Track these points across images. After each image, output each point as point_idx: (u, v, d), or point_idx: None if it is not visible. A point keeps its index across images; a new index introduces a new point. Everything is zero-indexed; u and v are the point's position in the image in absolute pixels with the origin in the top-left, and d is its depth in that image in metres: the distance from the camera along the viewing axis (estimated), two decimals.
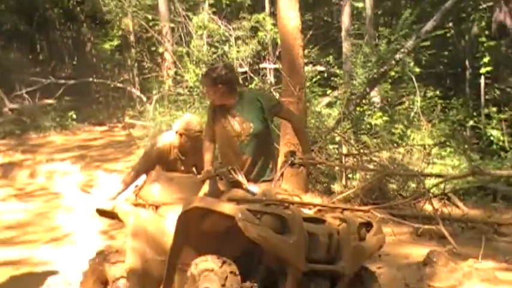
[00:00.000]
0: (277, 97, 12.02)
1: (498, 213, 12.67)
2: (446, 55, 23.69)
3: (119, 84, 21.60)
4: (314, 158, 9.48)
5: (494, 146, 17.70)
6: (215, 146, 8.50)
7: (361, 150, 14.83)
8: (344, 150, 14.89)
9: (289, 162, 8.16)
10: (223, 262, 6.89)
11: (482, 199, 13.34)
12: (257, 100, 8.42)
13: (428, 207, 12.04)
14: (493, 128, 18.54)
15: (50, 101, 22.14)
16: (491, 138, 17.99)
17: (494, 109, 19.83)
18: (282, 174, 8.17)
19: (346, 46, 19.33)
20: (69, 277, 9.68)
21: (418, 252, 9.69)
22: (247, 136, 8.23)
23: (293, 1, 12.57)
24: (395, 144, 15.34)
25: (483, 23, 23.13)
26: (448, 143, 15.90)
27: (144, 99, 19.59)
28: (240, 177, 7.80)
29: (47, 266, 10.64)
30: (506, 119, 19.30)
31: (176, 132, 9.17)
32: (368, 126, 15.85)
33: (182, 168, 9.16)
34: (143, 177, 9.17)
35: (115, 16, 22.46)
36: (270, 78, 19.65)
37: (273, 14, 19.28)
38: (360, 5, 22.67)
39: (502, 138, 17.76)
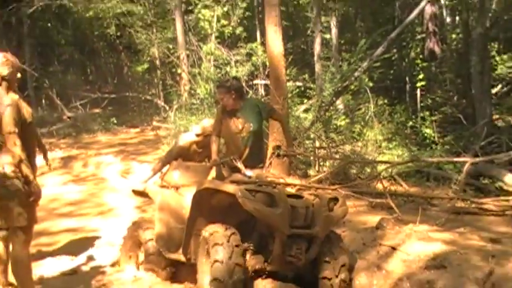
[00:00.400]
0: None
1: (430, 190, 12.66)
2: (391, 73, 23.66)
3: (148, 97, 21.59)
4: (294, 150, 9.48)
5: (427, 141, 17.71)
6: (220, 139, 8.54)
7: (330, 144, 14.80)
8: (317, 144, 14.88)
9: (276, 153, 8.26)
10: (227, 228, 7.03)
11: (419, 180, 13.35)
12: (257, 106, 8.63)
13: (379, 186, 12.03)
14: (426, 127, 18.54)
15: (97, 110, 22.13)
16: (425, 135, 18.00)
17: (428, 113, 19.82)
18: (270, 163, 8.20)
19: (317, 67, 19.31)
20: (112, 240, 9.63)
21: (372, 219, 9.66)
22: (247, 133, 8.33)
23: (278, 34, 12.55)
24: (355, 140, 15.34)
25: (418, 49, 23.16)
26: (393, 139, 15.95)
27: (167, 108, 19.52)
28: (239, 165, 7.88)
29: (96, 232, 10.62)
30: (436, 120, 19.29)
31: (196, 135, 9.17)
32: (334, 126, 15.86)
33: (198, 159, 9.12)
34: (167, 166, 9.13)
35: (145, 46, 22.38)
36: (261, 91, 19.67)
37: (263, 43, 19.22)
38: (328, 36, 22.64)
39: (433, 134, 17.80)
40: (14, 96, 6.85)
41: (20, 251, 6.92)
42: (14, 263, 6.99)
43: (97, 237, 10.27)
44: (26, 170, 6.77)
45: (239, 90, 8.46)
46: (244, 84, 17.99)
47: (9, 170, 6.69)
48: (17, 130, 6.70)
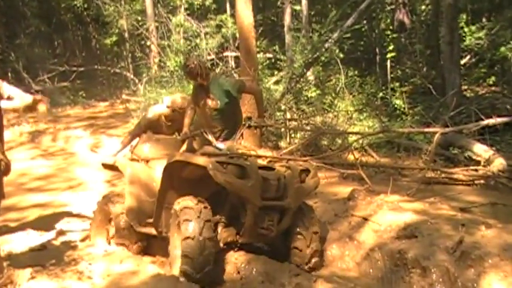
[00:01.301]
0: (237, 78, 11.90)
1: (401, 160, 12.71)
2: (362, 44, 23.71)
3: (117, 70, 21.52)
4: (265, 122, 9.47)
5: (398, 112, 17.74)
6: (194, 114, 8.47)
7: (301, 116, 14.85)
8: (288, 116, 14.89)
9: (247, 125, 8.23)
10: (199, 201, 7.01)
11: (390, 150, 13.41)
12: (223, 85, 8.49)
13: (350, 157, 12.06)
14: (396, 98, 18.58)
15: (65, 84, 22.00)
16: (395, 106, 18.02)
17: (397, 84, 19.90)
18: (241, 134, 8.20)
19: (288, 38, 19.28)
20: (82, 215, 9.59)
21: (344, 190, 9.70)
22: (215, 110, 8.28)
23: (248, 4, 12.57)
24: (325, 111, 15.34)
25: (388, 21, 23.21)
26: (364, 110, 15.96)
27: (136, 81, 19.46)
28: (210, 137, 7.83)
29: (66, 207, 10.59)
30: (406, 91, 19.37)
31: (167, 106, 9.08)
32: (305, 98, 15.84)
33: (167, 132, 9.05)
34: (136, 139, 9.08)
35: (113, 18, 22.26)
36: (231, 63, 19.69)
37: (233, 15, 19.19)
38: (298, 7, 22.58)
39: (403, 105, 17.80)
40: None
41: None
42: None
43: (67, 212, 10.25)
44: None
45: (202, 72, 8.32)
46: (214, 56, 18.04)
47: None
48: None
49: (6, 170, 6.91)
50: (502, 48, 22.97)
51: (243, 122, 8.40)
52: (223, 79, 9.18)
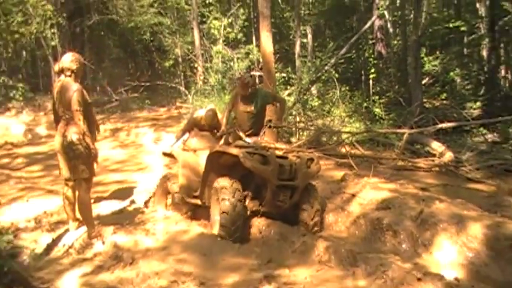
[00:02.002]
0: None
1: (379, 152, 12.64)
2: (351, 67, 23.64)
3: (173, 85, 21.42)
4: (281, 123, 9.43)
5: (377, 117, 17.63)
6: (230, 114, 8.49)
7: (307, 119, 14.81)
8: (297, 119, 14.82)
9: (268, 125, 8.19)
10: (232, 180, 7.07)
11: (371, 145, 13.32)
12: (263, 95, 8.54)
13: (343, 150, 12.00)
14: (376, 107, 18.45)
15: (136, 95, 22.02)
16: (375, 113, 17.92)
17: (377, 97, 19.76)
18: (264, 132, 8.14)
19: (297, 62, 19.22)
20: (148, 189, 9.57)
21: (338, 174, 9.66)
22: (249, 113, 8.28)
23: (269, 38, 12.57)
24: (325, 116, 15.31)
25: (370, 51, 23.07)
26: (353, 115, 15.91)
27: (187, 92, 19.41)
28: (241, 134, 7.90)
29: (136, 183, 10.56)
30: (383, 102, 19.26)
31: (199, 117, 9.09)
32: (310, 106, 15.78)
33: (207, 129, 8.97)
34: (187, 134, 9.04)
35: (171, 47, 22.31)
36: (256, 80, 19.72)
37: (257, 45, 19.19)
38: (305, 40, 22.59)
39: (381, 113, 17.74)
40: (79, 84, 6.92)
41: (83, 196, 7.09)
42: (79, 205, 7.14)
43: (137, 187, 10.21)
44: (87, 138, 6.87)
45: (252, 85, 8.38)
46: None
47: (75, 138, 6.81)
48: (81, 109, 6.77)
49: (95, 156, 6.99)
50: (451, 73, 23.13)
51: (265, 124, 8.37)
52: (265, 91, 9.17)
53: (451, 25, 21.91)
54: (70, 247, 6.93)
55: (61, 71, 7.17)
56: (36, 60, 21.59)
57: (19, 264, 6.00)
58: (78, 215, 7.48)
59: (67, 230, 7.42)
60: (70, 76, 6.93)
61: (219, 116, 8.97)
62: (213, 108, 9.28)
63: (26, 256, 6.58)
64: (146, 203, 8.97)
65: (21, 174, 11.98)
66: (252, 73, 12.97)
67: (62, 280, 5.92)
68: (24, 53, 23.17)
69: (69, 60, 6.97)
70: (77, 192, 7.19)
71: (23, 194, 9.79)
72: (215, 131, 8.79)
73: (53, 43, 18.73)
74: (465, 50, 25.10)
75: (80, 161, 6.92)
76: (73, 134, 6.84)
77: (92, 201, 8.14)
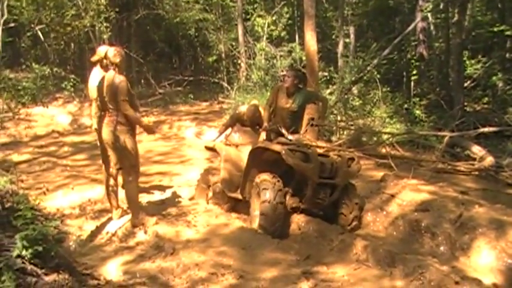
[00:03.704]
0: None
1: (419, 154, 12.50)
2: (393, 69, 23.37)
3: (215, 80, 21.46)
4: (323, 122, 9.38)
5: (417, 119, 17.42)
6: (270, 110, 8.24)
7: (348, 119, 14.76)
8: (338, 118, 14.74)
9: (310, 124, 8.13)
10: (273, 176, 7.09)
11: (411, 147, 13.16)
12: (307, 95, 8.31)
13: (383, 150, 11.91)
14: (417, 109, 18.22)
15: (179, 88, 22.09)
16: (416, 115, 17.70)
17: (418, 99, 19.52)
18: (306, 130, 8.09)
19: (340, 62, 19.11)
20: (190, 181, 9.65)
21: (377, 174, 9.61)
22: (290, 110, 8.06)
23: (313, 37, 12.62)
24: (366, 116, 15.19)
25: (413, 53, 22.80)
26: (394, 117, 15.72)
27: (229, 88, 19.44)
28: (283, 131, 7.79)
29: (178, 175, 10.66)
30: (424, 104, 19.05)
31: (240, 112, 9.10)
32: (351, 106, 15.68)
33: (249, 124, 8.96)
34: (229, 129, 9.08)
35: (215, 43, 22.34)
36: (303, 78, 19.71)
37: (300, 43, 19.20)
38: (347, 40, 22.41)
39: (421, 115, 17.53)
40: (122, 76, 7.07)
41: (132, 184, 7.27)
42: (128, 193, 7.28)
43: (179, 179, 10.28)
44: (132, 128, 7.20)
45: (300, 79, 8.28)
46: (285, 72, 17.95)
47: (122, 128, 7.04)
48: (127, 98, 6.95)
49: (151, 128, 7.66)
50: (493, 78, 22.68)
51: (307, 122, 8.30)
52: (307, 89, 9.09)
53: (495, 29, 21.47)
54: (113, 235, 7.05)
55: (100, 63, 7.89)
56: (84, 52, 21.86)
57: (65, 249, 6.09)
58: (120, 204, 7.65)
59: (110, 218, 7.56)
60: (114, 69, 7.08)
61: (262, 112, 8.93)
62: (255, 104, 9.28)
63: (71, 242, 6.71)
64: (188, 196, 9.04)
65: (67, 163, 12.20)
66: (300, 69, 12.91)
67: (105, 267, 6.02)
68: (72, 45, 23.50)
69: (112, 54, 7.12)
70: (122, 181, 7.38)
71: (69, 182, 9.99)
72: (257, 127, 8.81)
73: (104, 36, 18.96)
74: (508, 54, 24.68)
75: (128, 150, 7.08)
76: (120, 125, 7.01)
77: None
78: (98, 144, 8.23)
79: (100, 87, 7.18)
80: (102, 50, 8.34)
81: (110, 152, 7.25)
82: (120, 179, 7.58)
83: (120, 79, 6.97)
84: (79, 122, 17.09)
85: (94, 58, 8.38)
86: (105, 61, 7.35)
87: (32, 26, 19.24)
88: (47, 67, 18.31)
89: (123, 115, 6.99)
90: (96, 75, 8.27)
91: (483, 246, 6.27)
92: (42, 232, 4.59)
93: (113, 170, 7.45)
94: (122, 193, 7.66)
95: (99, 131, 7.50)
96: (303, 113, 8.31)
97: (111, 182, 7.48)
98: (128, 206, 7.44)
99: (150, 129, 7.53)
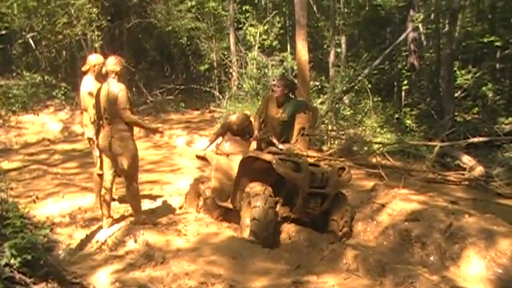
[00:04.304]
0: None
1: (410, 164, 12.52)
2: (384, 78, 23.45)
3: (207, 89, 21.52)
4: (314, 132, 9.37)
5: (408, 129, 17.51)
6: (261, 119, 8.26)
7: (338, 128, 14.77)
8: (329, 127, 14.75)
9: (301, 133, 8.12)
10: (264, 185, 7.07)
11: (402, 157, 13.18)
12: (297, 105, 8.31)
13: (374, 160, 11.92)
14: (407, 119, 18.34)
15: (171, 97, 22.08)
16: (407, 124, 17.80)
17: (409, 109, 19.64)
18: (297, 140, 8.08)
19: (331, 72, 19.16)
20: (180, 190, 9.62)
21: (368, 184, 9.63)
22: (280, 120, 8.09)
23: (304, 46, 12.66)
24: (357, 126, 15.20)
25: (404, 63, 22.95)
26: (384, 126, 15.77)
27: (221, 97, 19.48)
28: (274, 140, 7.79)
29: (169, 184, 10.62)
30: (414, 114, 19.13)
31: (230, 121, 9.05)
32: (342, 115, 15.70)
33: (240, 134, 8.95)
34: (220, 138, 9.06)
35: (206, 52, 22.39)
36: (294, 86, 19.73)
37: (291, 53, 19.26)
38: (339, 50, 22.49)
39: (412, 124, 17.66)
40: (122, 85, 7.25)
41: (135, 187, 7.47)
42: (131, 195, 7.50)
43: (169, 188, 10.26)
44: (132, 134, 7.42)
45: (290, 89, 8.28)
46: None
47: (123, 135, 7.21)
48: (128, 107, 7.15)
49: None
50: (483, 88, 22.87)
51: (298, 131, 8.30)
52: (297, 99, 9.10)
53: (485, 40, 21.63)
54: (103, 244, 7.03)
55: (92, 72, 8.30)
56: (76, 60, 21.84)
57: (54, 257, 6.08)
58: (112, 213, 7.68)
59: (100, 227, 7.55)
60: (114, 78, 7.24)
61: (252, 121, 8.93)
62: (245, 113, 9.29)
63: (61, 250, 6.70)
64: (178, 204, 9.01)
65: (57, 170, 12.16)
66: (291, 78, 12.92)
67: (94, 276, 6.00)
68: (64, 53, 23.47)
69: (112, 62, 7.28)
70: (129, 187, 7.46)
71: (59, 190, 9.96)
72: (248, 136, 8.80)
73: (96, 45, 18.96)
74: (498, 65, 24.84)
75: (129, 156, 7.22)
76: (121, 132, 7.17)
77: (122, 200, 8.29)
78: (94, 152, 8.28)
79: (99, 95, 7.31)
80: (92, 59, 8.47)
81: (109, 159, 7.37)
82: (113, 188, 7.71)
83: (120, 88, 7.15)
84: (70, 130, 17.06)
85: (85, 67, 8.45)
86: (105, 69, 7.45)
87: (24, 33, 19.23)
88: (38, 75, 18.29)
89: (123, 122, 7.15)
90: (87, 83, 8.33)
91: (473, 256, 6.28)
92: (31, 241, 4.58)
93: (107, 178, 7.50)
94: (113, 203, 7.69)
95: (96, 139, 7.67)
96: (294, 122, 8.31)
97: (105, 189, 7.49)
98: (132, 207, 7.62)
99: (155, 131, 8.07)
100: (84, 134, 8.77)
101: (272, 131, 8.08)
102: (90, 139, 8.54)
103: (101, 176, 7.89)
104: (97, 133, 7.67)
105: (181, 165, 12.67)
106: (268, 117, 8.23)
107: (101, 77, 8.47)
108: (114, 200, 8.43)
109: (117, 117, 7.14)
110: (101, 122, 7.41)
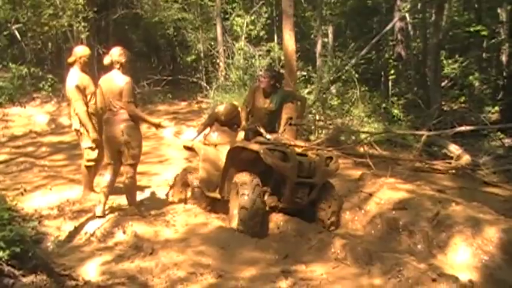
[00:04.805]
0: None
1: (397, 153, 12.60)
2: (371, 68, 23.44)
3: (194, 80, 21.40)
4: (301, 121, 9.39)
5: (395, 118, 17.55)
6: (247, 110, 8.26)
7: (326, 118, 14.79)
8: (317, 117, 14.77)
9: (288, 123, 8.18)
10: (252, 175, 7.07)
11: (389, 146, 13.24)
12: (284, 95, 8.42)
13: (361, 150, 11.95)
14: (395, 108, 18.35)
15: (158, 88, 21.93)
16: (394, 114, 17.82)
17: (396, 98, 19.65)
18: (284, 130, 8.13)
19: (318, 62, 19.10)
20: (168, 181, 9.60)
21: (355, 173, 9.64)
22: (268, 110, 8.13)
23: (291, 36, 12.59)
24: (344, 115, 15.26)
25: (390, 52, 22.97)
26: (372, 116, 15.80)
27: (208, 88, 19.41)
28: (262, 130, 7.79)
29: (157, 175, 10.61)
30: (401, 104, 19.15)
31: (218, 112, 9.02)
32: (329, 105, 15.74)
33: (227, 124, 8.93)
34: (208, 129, 9.03)
35: (193, 43, 22.28)
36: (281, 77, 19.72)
37: (279, 43, 19.21)
38: (326, 40, 22.53)
39: (399, 114, 17.68)
40: (127, 77, 7.37)
41: (134, 177, 7.71)
42: (130, 184, 7.67)
43: (157, 179, 10.24)
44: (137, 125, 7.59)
45: (276, 80, 8.25)
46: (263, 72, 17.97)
47: (128, 126, 7.35)
48: (133, 100, 7.37)
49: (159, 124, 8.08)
50: (470, 77, 22.98)
51: (285, 121, 8.35)
52: (285, 90, 9.10)
53: (471, 29, 21.71)
54: (92, 235, 7.02)
55: (73, 63, 8.32)
56: (62, 52, 21.66)
57: (43, 250, 6.08)
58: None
59: (89, 219, 7.52)
60: (119, 69, 7.33)
61: (239, 111, 8.93)
62: (232, 103, 9.28)
63: (49, 242, 6.67)
64: (166, 195, 9.01)
65: (45, 163, 12.09)
66: (277, 69, 12.91)
67: (83, 267, 6.00)
68: (50, 44, 23.28)
69: (117, 53, 7.36)
70: (128, 175, 7.61)
71: (47, 182, 9.90)
72: (235, 126, 8.80)
73: (82, 36, 18.83)
74: (484, 54, 24.96)
75: (135, 145, 7.43)
76: (126, 123, 7.31)
77: (114, 191, 8.27)
78: (82, 144, 8.34)
79: (103, 86, 7.43)
80: (78, 51, 8.43)
81: (114, 149, 7.49)
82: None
83: (125, 80, 7.26)
84: (57, 122, 16.94)
85: (70, 59, 8.40)
86: (110, 60, 7.40)
87: (9, 25, 19.05)
88: (24, 67, 18.13)
89: (126, 114, 7.29)
90: (73, 77, 8.28)
91: (460, 244, 6.32)
92: (20, 233, 4.58)
93: (113, 168, 7.64)
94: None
95: (98, 130, 7.96)
96: (281, 112, 8.37)
97: (108, 178, 7.59)
98: (128, 197, 7.71)
99: (158, 125, 7.97)
100: (71, 125, 8.71)
101: (259, 121, 8.08)
102: (77, 130, 8.50)
103: (90, 167, 8.16)
104: (100, 123, 7.89)
105: (169, 156, 12.63)
106: (255, 108, 8.24)
107: (87, 68, 8.51)
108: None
109: (122, 108, 7.27)
110: (107, 112, 7.51)
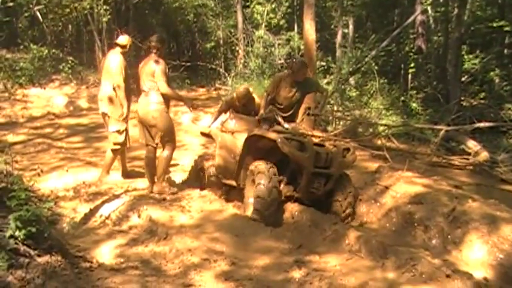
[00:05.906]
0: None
1: (415, 147, 12.52)
2: (391, 61, 23.39)
3: (213, 66, 21.43)
4: (320, 112, 9.34)
5: (414, 112, 17.51)
6: (268, 98, 8.22)
7: (344, 109, 14.78)
8: (335, 108, 14.73)
9: (306, 113, 8.14)
10: (268, 164, 7.06)
11: (407, 140, 13.18)
12: (310, 84, 8.49)
13: (378, 142, 11.92)
14: (413, 102, 18.33)
15: (176, 74, 21.92)
16: (412, 108, 17.78)
17: (415, 92, 19.65)
18: (302, 119, 8.10)
19: (338, 52, 19.14)
20: (184, 166, 9.64)
21: (372, 166, 9.59)
22: (292, 100, 8.18)
23: (312, 26, 12.61)
24: (362, 107, 15.21)
25: (411, 45, 22.83)
26: (390, 109, 15.75)
27: (226, 75, 19.43)
28: (280, 119, 7.83)
29: (174, 161, 10.51)
30: (420, 97, 19.10)
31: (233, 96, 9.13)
32: (348, 96, 15.69)
33: (243, 111, 8.90)
34: (224, 115, 9.03)
35: (213, 30, 22.33)
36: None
37: (299, 33, 19.17)
38: (346, 30, 22.40)
39: (418, 108, 17.65)
40: (162, 60, 8.06)
41: (171, 154, 8.24)
42: (165, 161, 8.17)
43: (174, 165, 10.25)
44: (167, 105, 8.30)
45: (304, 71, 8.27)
46: (283, 61, 17.93)
47: (160, 107, 8.01)
48: (165, 79, 7.97)
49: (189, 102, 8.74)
50: (491, 73, 22.77)
51: (304, 111, 8.31)
52: (312, 79, 9.09)
53: (494, 24, 21.48)
54: (107, 218, 7.05)
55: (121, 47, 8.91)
56: (82, 34, 21.74)
57: (58, 231, 6.10)
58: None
59: (104, 201, 7.56)
60: (156, 53, 8.04)
61: (256, 98, 8.89)
62: (246, 87, 9.23)
63: (64, 224, 6.69)
64: (182, 181, 9.03)
65: (62, 145, 12.18)
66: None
67: (97, 250, 6.01)
68: (70, 27, 23.37)
69: (155, 40, 8.13)
70: (163, 153, 8.14)
71: (63, 164, 9.99)
72: (253, 113, 8.77)
73: (104, 19, 18.89)
74: (506, 50, 24.70)
75: (162, 127, 7.98)
76: (154, 105, 7.94)
77: (131, 175, 8.31)
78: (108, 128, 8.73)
79: (141, 69, 8.09)
80: (128, 38, 9.24)
81: (148, 129, 8.03)
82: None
83: (160, 62, 7.93)
84: (75, 104, 17.01)
85: (124, 42, 9.06)
86: (149, 44, 8.20)
87: (31, 6, 19.13)
88: (45, 48, 18.21)
89: (159, 95, 7.92)
90: (119, 58, 8.86)
91: (475, 241, 6.25)
92: (36, 213, 4.59)
93: (149, 149, 8.12)
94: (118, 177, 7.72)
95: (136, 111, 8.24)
96: (301, 102, 8.33)
97: (149, 156, 8.13)
98: (158, 175, 8.11)
99: (191, 104, 8.62)
100: (99, 109, 9.10)
101: (283, 110, 8.13)
102: (105, 114, 8.88)
103: (116, 150, 8.83)
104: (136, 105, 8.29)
105: (185, 142, 12.64)
106: (280, 97, 8.22)
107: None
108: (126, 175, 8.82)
109: (154, 90, 7.89)
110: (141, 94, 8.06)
